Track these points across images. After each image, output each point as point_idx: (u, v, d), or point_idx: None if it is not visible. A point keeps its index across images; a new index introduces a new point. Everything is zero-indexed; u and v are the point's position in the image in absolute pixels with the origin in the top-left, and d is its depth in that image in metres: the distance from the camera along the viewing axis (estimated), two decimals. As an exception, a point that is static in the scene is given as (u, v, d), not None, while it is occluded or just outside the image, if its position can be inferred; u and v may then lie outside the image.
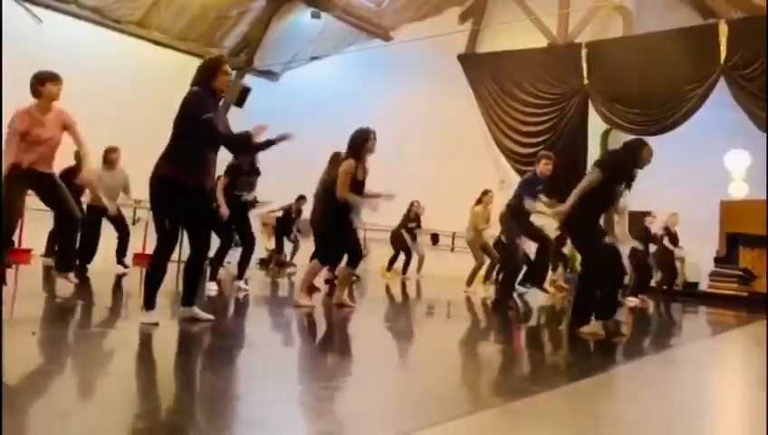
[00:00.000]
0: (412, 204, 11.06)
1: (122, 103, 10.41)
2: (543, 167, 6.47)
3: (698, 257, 11.38)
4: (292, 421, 2.18)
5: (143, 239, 11.14)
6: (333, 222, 5.25)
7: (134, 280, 7.14)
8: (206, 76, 3.81)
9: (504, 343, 4.67)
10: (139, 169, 7.79)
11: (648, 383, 3.33)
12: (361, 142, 5.20)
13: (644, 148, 4.76)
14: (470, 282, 8.57)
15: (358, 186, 5.21)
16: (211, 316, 3.98)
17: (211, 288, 5.76)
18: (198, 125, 3.64)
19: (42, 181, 4.75)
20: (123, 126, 9.55)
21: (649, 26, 12.07)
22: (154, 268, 3.76)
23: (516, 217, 6.51)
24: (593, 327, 4.56)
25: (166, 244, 3.73)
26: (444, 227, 12.58)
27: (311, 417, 2.25)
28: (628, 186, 4.77)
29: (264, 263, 11.62)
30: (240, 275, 6.34)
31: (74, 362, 2.97)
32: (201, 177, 3.74)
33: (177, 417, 2.13)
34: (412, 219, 11.08)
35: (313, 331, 4.63)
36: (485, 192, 8.65)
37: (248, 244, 6.34)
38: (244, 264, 6.36)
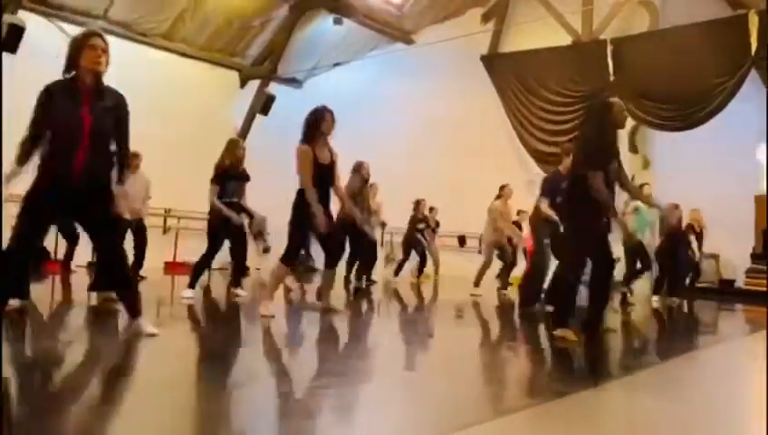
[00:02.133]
0: (418, 203, 10.64)
1: (149, 114, 10.62)
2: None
3: (734, 254, 11.11)
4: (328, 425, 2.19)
5: (174, 248, 11.33)
6: (295, 217, 4.75)
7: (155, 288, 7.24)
8: (70, 58, 3.39)
9: (528, 345, 4.62)
10: (164, 178, 7.96)
11: (679, 383, 3.26)
12: (314, 124, 4.78)
13: (611, 107, 4.37)
14: (477, 283, 8.42)
15: (322, 169, 4.73)
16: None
17: (187, 295, 5.66)
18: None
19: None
20: (149, 136, 9.72)
21: (676, 20, 11.84)
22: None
23: (543, 220, 6.26)
24: (566, 332, 4.21)
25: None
26: (471, 229, 12.50)
27: (342, 420, 2.26)
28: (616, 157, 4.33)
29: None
30: (237, 282, 6.36)
31: (102, 363, 3.03)
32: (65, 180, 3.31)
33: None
34: (420, 220, 10.72)
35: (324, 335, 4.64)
36: (503, 187, 8.45)
37: (241, 251, 6.32)
38: (239, 270, 6.40)
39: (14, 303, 4.15)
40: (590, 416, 2.50)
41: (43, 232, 3.39)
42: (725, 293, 10.87)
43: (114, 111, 3.44)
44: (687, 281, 9.63)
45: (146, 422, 2.05)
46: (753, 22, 10.90)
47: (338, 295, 6.72)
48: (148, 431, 1.99)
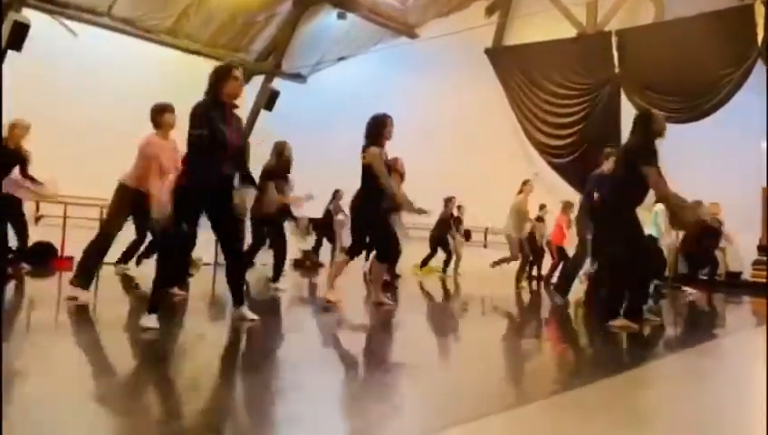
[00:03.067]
0: (449, 201, 10.62)
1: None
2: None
3: (741, 246, 11.06)
4: (335, 416, 2.21)
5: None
6: (375, 214, 5.19)
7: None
8: (215, 85, 3.86)
9: (546, 338, 4.63)
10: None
11: (690, 375, 3.27)
12: (380, 128, 5.17)
13: (655, 117, 4.76)
14: (519, 279, 8.58)
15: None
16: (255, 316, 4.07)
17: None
18: (193, 137, 3.75)
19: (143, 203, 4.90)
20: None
21: (681, 11, 11.77)
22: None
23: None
24: (623, 321, 4.47)
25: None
26: (476, 223, 12.49)
27: (355, 410, 2.28)
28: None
29: (297, 264, 11.71)
30: (276, 277, 6.43)
31: (119, 360, 3.06)
32: (212, 183, 3.80)
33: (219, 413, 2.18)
34: (450, 219, 10.66)
35: (357, 329, 4.66)
36: (525, 182, 8.53)
37: (281, 245, 6.42)
38: (279, 265, 6.45)
39: (179, 292, 5.02)
40: (602, 406, 2.51)
41: (193, 227, 3.80)
42: (732, 285, 10.84)
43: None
44: (706, 274, 9.65)
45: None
46: (760, 12, 10.82)
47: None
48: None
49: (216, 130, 3.75)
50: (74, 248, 8.67)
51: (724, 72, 11.15)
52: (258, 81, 12.77)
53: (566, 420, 2.27)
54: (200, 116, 3.75)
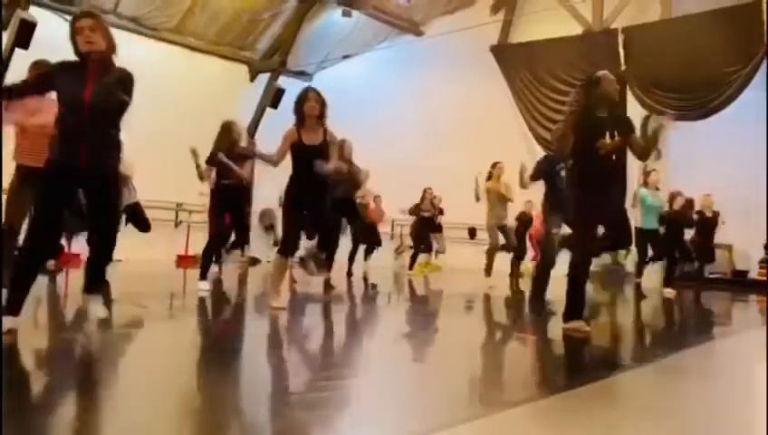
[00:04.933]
0: (424, 191, 10.44)
1: (159, 108, 10.68)
2: None
3: (748, 245, 11.01)
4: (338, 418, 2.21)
5: (186, 241, 11.39)
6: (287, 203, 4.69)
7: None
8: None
9: (540, 338, 4.62)
10: (174, 172, 7.99)
11: (692, 376, 3.25)
12: (298, 105, 4.69)
13: (599, 81, 4.14)
14: (489, 271, 8.36)
15: (305, 151, 4.61)
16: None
17: (203, 288, 5.57)
18: None
19: None
20: (159, 130, 9.79)
21: (688, 8, 11.71)
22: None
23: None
24: (576, 323, 4.11)
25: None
26: (481, 220, 12.46)
27: (347, 411, 2.27)
28: (611, 134, 4.09)
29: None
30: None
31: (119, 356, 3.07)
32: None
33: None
34: (421, 208, 10.52)
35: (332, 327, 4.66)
36: (494, 165, 8.30)
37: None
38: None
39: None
40: (600, 407, 2.50)
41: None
42: (737, 283, 10.80)
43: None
44: (695, 269, 9.55)
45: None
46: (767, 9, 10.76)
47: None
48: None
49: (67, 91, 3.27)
50: (80, 245, 8.77)
51: (731, 70, 11.08)
52: (264, 78, 12.79)
53: (563, 421, 2.27)
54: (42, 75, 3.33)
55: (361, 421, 2.16)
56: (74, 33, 3.34)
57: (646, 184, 8.11)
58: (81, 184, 3.26)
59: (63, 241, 8.60)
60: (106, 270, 3.50)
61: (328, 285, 6.45)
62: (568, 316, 4.14)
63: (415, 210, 10.44)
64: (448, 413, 2.23)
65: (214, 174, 5.84)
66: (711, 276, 9.85)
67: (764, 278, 10.69)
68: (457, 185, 11.50)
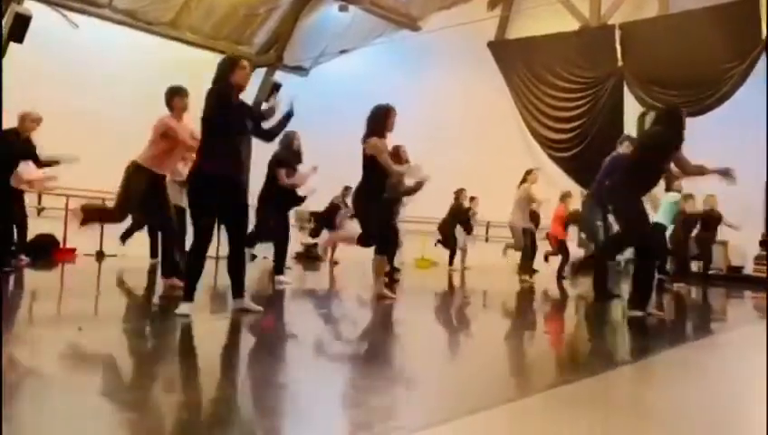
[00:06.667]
0: (460, 192, 10.61)
1: (155, 103, 10.64)
2: None
3: (743, 241, 11.05)
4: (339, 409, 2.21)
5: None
6: (375, 206, 5.20)
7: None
8: (225, 72, 3.94)
9: (545, 330, 4.63)
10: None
11: (691, 369, 3.26)
12: (382, 119, 5.17)
13: (682, 117, 4.93)
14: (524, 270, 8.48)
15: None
16: (260, 308, 4.14)
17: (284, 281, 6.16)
18: (220, 120, 3.83)
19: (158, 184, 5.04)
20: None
21: (685, 4, 11.71)
22: (193, 264, 3.90)
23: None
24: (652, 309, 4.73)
25: (202, 239, 3.86)
26: (479, 216, 12.48)
27: (357, 403, 2.28)
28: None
29: (299, 256, 11.71)
30: (279, 269, 6.41)
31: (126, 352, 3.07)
32: (235, 170, 3.91)
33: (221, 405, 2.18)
34: (461, 210, 10.67)
35: (358, 322, 4.67)
36: (529, 171, 8.46)
37: (283, 238, 6.41)
38: (280, 258, 6.43)
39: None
40: (600, 400, 2.51)
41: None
42: (732, 279, 10.84)
43: None
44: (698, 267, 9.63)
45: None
46: (764, 5, 10.77)
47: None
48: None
49: (231, 116, 3.84)
50: (76, 240, 8.74)
51: (728, 66, 11.10)
52: (260, 73, 12.73)
53: (563, 414, 2.27)
54: (216, 102, 3.82)
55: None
56: (236, 69, 4.00)
57: (669, 189, 8.18)
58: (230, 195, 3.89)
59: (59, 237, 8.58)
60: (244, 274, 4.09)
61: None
62: (642, 303, 4.69)
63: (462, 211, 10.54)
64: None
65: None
66: (710, 273, 9.88)
67: (759, 274, 10.73)
68: (453, 181, 11.52)
